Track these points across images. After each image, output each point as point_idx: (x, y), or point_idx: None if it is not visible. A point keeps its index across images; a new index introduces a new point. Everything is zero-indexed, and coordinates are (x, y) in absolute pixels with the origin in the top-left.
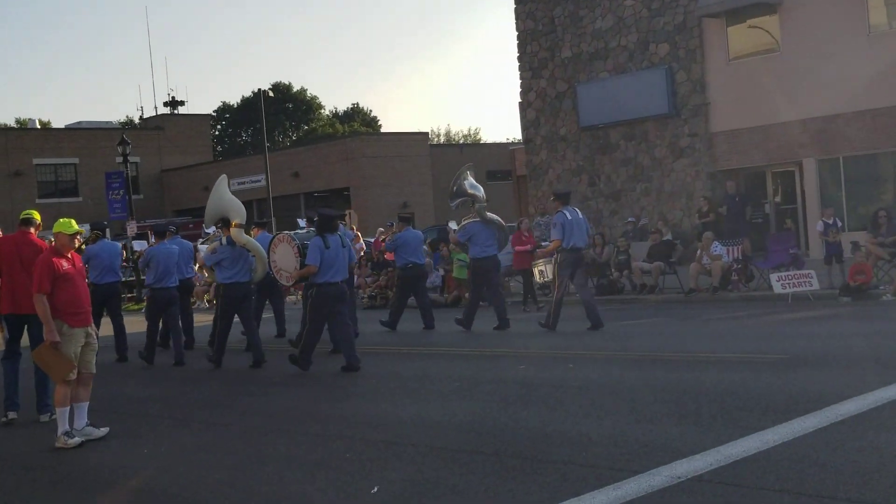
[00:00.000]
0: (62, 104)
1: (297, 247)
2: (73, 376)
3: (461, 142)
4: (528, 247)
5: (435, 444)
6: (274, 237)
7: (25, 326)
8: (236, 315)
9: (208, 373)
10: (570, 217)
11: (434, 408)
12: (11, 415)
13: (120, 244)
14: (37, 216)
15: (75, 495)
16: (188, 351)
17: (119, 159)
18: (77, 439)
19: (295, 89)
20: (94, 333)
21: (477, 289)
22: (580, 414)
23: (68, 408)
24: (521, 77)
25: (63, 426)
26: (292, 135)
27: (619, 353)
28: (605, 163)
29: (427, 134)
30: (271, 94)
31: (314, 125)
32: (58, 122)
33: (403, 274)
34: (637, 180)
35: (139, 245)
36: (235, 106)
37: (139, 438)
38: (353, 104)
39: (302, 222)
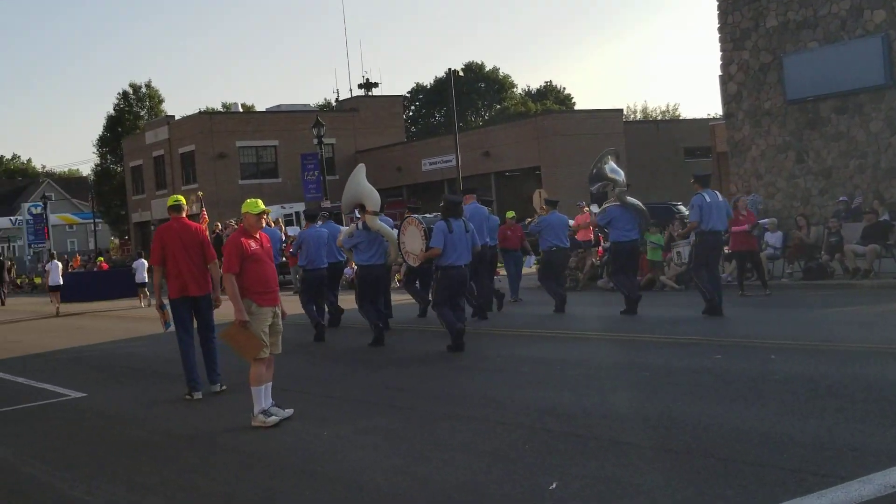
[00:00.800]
0: (264, 89)
1: (424, 230)
2: (265, 354)
3: (658, 118)
4: (746, 226)
5: (620, 438)
6: (403, 220)
7: (192, 308)
8: None
9: (389, 355)
10: (708, 199)
11: (621, 399)
12: (197, 395)
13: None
14: (183, 201)
15: (256, 476)
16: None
17: (315, 141)
18: (274, 418)
19: (487, 69)
20: (280, 314)
21: (619, 273)
22: (781, 411)
23: (263, 387)
24: (722, 49)
25: (259, 405)
26: (484, 114)
27: (826, 343)
28: (814, 138)
29: (622, 111)
30: (462, 74)
31: (506, 104)
32: (260, 106)
33: (547, 258)
34: (850, 157)
35: (293, 230)
36: (428, 87)
37: (321, 420)
38: (546, 82)
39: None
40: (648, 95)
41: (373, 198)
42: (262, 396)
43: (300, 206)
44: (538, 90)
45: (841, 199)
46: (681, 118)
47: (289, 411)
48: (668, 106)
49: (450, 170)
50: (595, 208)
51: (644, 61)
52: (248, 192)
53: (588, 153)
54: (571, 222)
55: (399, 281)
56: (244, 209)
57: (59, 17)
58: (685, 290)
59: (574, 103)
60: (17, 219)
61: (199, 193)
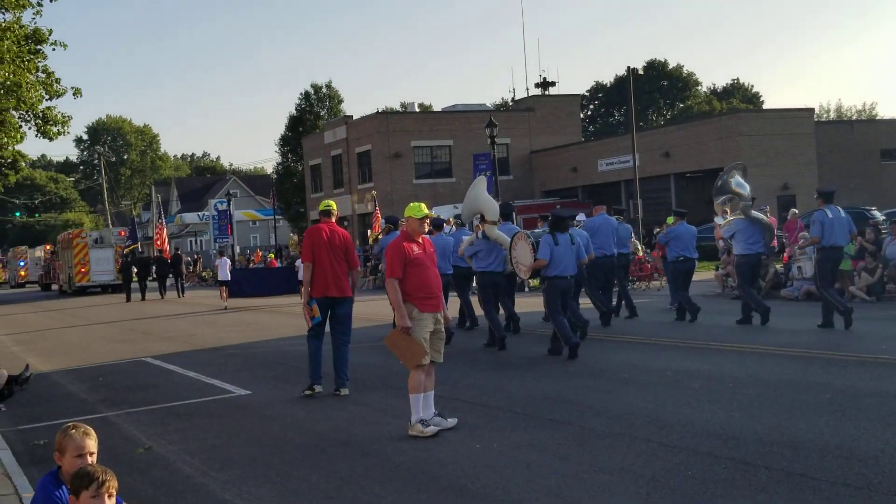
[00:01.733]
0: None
1: (532, 244)
2: (427, 361)
3: (853, 118)
4: None
5: (793, 469)
6: (514, 235)
7: (329, 309)
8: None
9: (551, 366)
10: (831, 215)
11: (797, 424)
12: (317, 387)
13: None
14: (334, 206)
15: (403, 488)
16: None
17: (488, 141)
18: (433, 428)
19: (670, 66)
20: (442, 319)
21: (743, 283)
22: None
23: (422, 395)
24: None
25: (417, 414)
26: (666, 113)
27: None
28: None
29: (813, 110)
30: (642, 72)
31: (690, 103)
32: (437, 106)
33: (675, 267)
34: None
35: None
36: (608, 85)
37: (475, 431)
38: (733, 80)
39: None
40: (843, 94)
41: (492, 208)
42: (421, 405)
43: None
44: (724, 88)
45: None
46: (878, 118)
47: (452, 421)
48: (864, 105)
49: (627, 170)
50: (719, 220)
51: (839, 58)
52: (422, 192)
53: (776, 155)
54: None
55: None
56: (407, 213)
57: (246, 22)
58: (875, 303)
59: (762, 102)
60: (203, 214)
61: (373, 192)
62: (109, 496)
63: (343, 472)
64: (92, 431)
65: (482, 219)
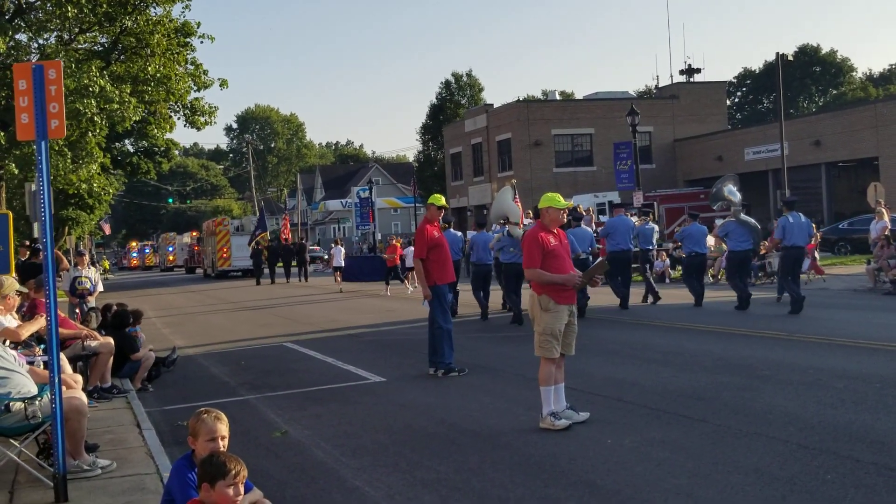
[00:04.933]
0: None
1: None
2: (556, 354)
3: None
4: None
5: None
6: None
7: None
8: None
9: (687, 360)
10: (792, 221)
11: None
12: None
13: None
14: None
15: (532, 481)
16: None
17: (629, 129)
18: (564, 421)
19: (823, 51)
20: (576, 312)
21: (730, 274)
22: None
23: (552, 388)
24: None
25: (548, 407)
26: (818, 100)
27: None
28: None
29: None
30: (792, 59)
31: (844, 89)
32: (578, 94)
33: (687, 261)
34: None
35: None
36: (757, 71)
37: (607, 426)
38: (891, 65)
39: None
40: None
41: (515, 212)
42: (552, 398)
43: (613, 195)
44: (881, 74)
45: None
46: None
47: (584, 415)
48: None
49: (774, 159)
50: (719, 221)
51: None
52: (562, 180)
53: None
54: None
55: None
56: (546, 203)
57: (389, 12)
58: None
59: None
60: (346, 201)
61: (513, 181)
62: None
63: (472, 463)
64: (223, 416)
65: (507, 220)
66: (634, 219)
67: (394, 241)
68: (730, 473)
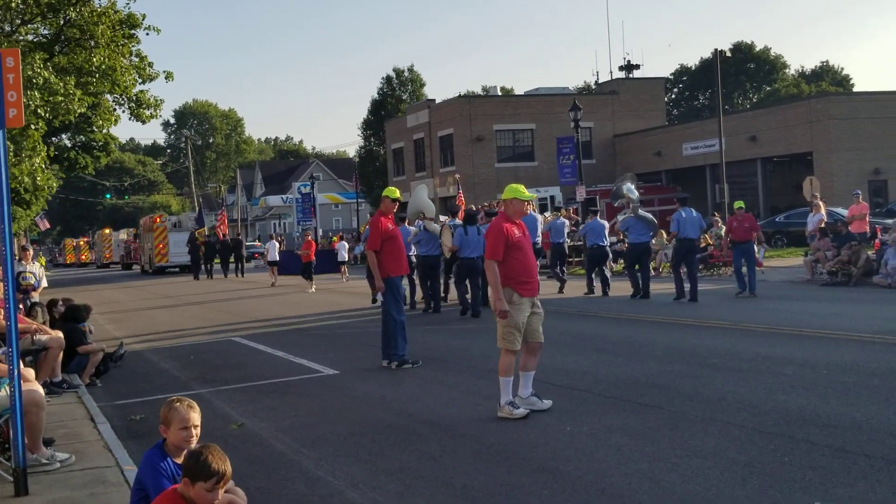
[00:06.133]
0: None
1: (452, 234)
2: (517, 346)
3: None
4: None
5: (895, 457)
6: (442, 227)
7: None
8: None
9: (637, 349)
10: (685, 215)
11: None
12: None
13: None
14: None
15: (494, 469)
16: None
17: (571, 125)
18: (522, 410)
19: (757, 49)
20: (539, 303)
21: (632, 267)
22: None
23: (511, 378)
24: None
25: (506, 396)
26: (753, 97)
27: None
28: None
29: None
30: (729, 55)
31: (777, 86)
32: (518, 90)
33: (590, 254)
34: None
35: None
36: (693, 68)
37: (565, 414)
38: (823, 62)
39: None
40: None
41: (430, 208)
42: (510, 388)
43: (555, 191)
44: (813, 71)
45: None
46: None
47: (547, 403)
48: None
49: (713, 155)
50: (621, 216)
51: None
52: (504, 175)
53: (867, 138)
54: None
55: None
56: (510, 195)
57: (332, 8)
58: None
59: (853, 85)
60: (287, 197)
61: (456, 176)
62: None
63: (433, 452)
64: (196, 405)
65: (424, 216)
66: (545, 215)
67: (308, 237)
68: (689, 458)
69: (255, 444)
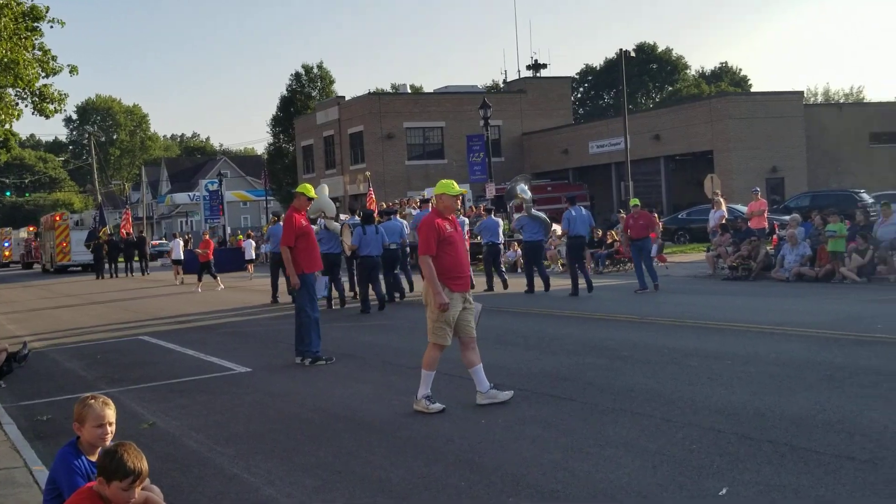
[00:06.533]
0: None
1: (351, 233)
2: (447, 342)
3: (841, 101)
4: None
5: (797, 443)
6: (342, 226)
7: None
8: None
9: (549, 344)
10: (574, 214)
11: (799, 400)
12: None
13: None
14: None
15: (411, 462)
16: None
17: (481, 123)
18: (438, 405)
19: (660, 49)
20: (471, 298)
21: (528, 264)
22: None
23: (433, 373)
24: None
25: (425, 389)
26: (655, 96)
27: None
28: None
29: (802, 93)
30: (633, 55)
31: (679, 86)
32: (428, 88)
33: (487, 250)
34: None
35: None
36: (598, 68)
37: (479, 408)
38: (722, 63)
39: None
40: (831, 77)
41: (330, 208)
42: (430, 382)
43: (465, 187)
44: (713, 71)
45: None
46: (866, 101)
47: (508, 393)
48: (851, 88)
49: (618, 153)
50: (517, 215)
51: (827, 42)
52: (415, 173)
53: (765, 137)
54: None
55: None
56: (439, 190)
57: (240, 4)
58: (867, 284)
59: (751, 85)
60: (194, 195)
61: (367, 173)
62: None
63: (350, 447)
64: (111, 402)
65: (325, 215)
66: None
67: (206, 236)
68: (602, 447)
69: (167, 442)
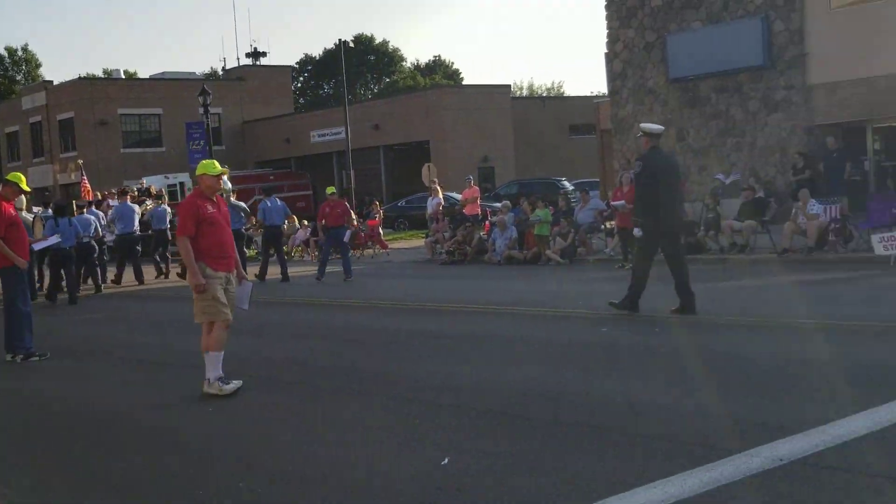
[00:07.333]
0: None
1: (44, 224)
2: (229, 317)
3: (544, 95)
4: (622, 202)
5: (513, 412)
6: (35, 217)
7: None
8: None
9: (274, 329)
10: (270, 204)
11: (511, 373)
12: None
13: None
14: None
15: (128, 456)
16: None
17: (200, 110)
18: (233, 385)
19: (377, 41)
20: (234, 280)
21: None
22: (668, 384)
23: (222, 353)
24: (609, 27)
25: (216, 371)
26: (374, 87)
27: (710, 317)
28: (693, 116)
29: (509, 87)
30: (352, 45)
31: (396, 78)
32: (143, 74)
33: (118, 242)
34: (728, 135)
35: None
36: (317, 58)
37: (207, 397)
38: (436, 56)
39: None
40: (535, 72)
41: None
42: (220, 363)
43: (185, 177)
44: (427, 64)
45: (716, 176)
46: (566, 95)
47: (236, 384)
48: (553, 83)
49: (339, 142)
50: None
51: (530, 38)
52: (131, 161)
53: (476, 128)
54: (452, 199)
55: None
56: (200, 171)
57: None
58: (569, 265)
59: (462, 78)
60: None
61: (79, 161)
62: None
63: (70, 443)
64: None
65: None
66: (146, 204)
67: None
68: (331, 428)
69: None
